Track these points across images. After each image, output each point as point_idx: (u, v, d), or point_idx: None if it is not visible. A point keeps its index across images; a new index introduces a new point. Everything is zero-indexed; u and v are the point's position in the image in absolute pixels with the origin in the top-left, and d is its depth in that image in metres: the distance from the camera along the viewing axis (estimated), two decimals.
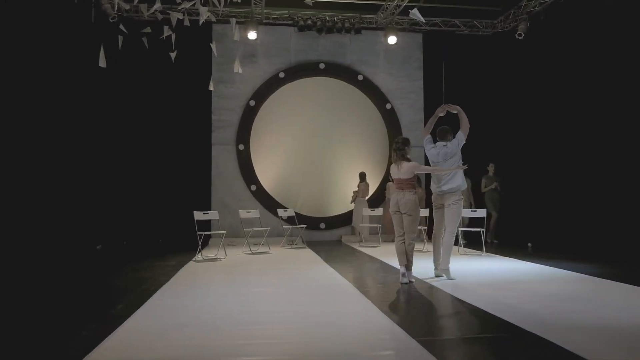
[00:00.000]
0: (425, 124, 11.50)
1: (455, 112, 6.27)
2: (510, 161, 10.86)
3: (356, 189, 11.13)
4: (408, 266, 5.87)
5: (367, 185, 11.10)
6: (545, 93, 10.61)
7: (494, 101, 11.50)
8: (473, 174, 10.17)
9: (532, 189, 10.76)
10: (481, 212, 8.80)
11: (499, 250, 9.04)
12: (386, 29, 11.45)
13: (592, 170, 9.47)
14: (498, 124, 11.20)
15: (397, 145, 5.93)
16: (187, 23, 7.69)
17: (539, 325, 3.86)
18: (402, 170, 5.83)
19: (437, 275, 6.18)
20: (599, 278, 5.92)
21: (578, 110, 9.82)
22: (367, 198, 11.21)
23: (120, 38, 7.63)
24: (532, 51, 10.85)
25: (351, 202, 11.17)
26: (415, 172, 5.90)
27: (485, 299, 4.94)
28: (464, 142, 6.17)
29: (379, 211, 10.36)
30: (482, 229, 8.70)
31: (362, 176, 11.10)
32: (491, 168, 10.52)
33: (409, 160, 5.90)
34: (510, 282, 5.86)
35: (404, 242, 5.87)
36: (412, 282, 5.83)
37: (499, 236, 10.36)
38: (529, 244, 9.48)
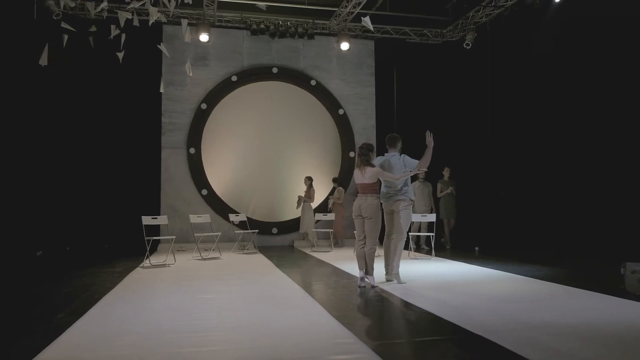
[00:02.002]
0: (376, 132, 11.67)
1: (427, 142, 6.09)
2: (460, 166, 11.08)
3: (301, 193, 11.06)
4: (368, 271, 5.91)
5: (314, 190, 11.08)
6: (490, 99, 10.98)
7: (444, 107, 11.80)
8: (429, 179, 10.36)
9: (482, 193, 11.06)
10: (431, 217, 8.97)
11: (448, 254, 9.24)
12: (339, 35, 11.54)
13: (541, 173, 9.82)
14: (449, 128, 11.44)
15: (362, 151, 5.97)
16: (136, 23, 7.45)
17: (485, 328, 3.96)
18: (366, 175, 5.88)
19: (387, 280, 6.23)
20: (542, 281, 6.13)
21: (522, 115, 10.20)
22: (314, 205, 11.17)
23: (65, 37, 7.32)
24: (479, 60, 11.22)
25: (297, 208, 11.09)
26: (379, 178, 5.95)
27: (434, 302, 5.03)
28: (410, 171, 6.10)
29: (330, 216, 10.39)
30: (432, 234, 8.86)
31: (310, 180, 11.06)
32: (446, 172, 10.49)
33: (373, 165, 5.96)
34: (458, 285, 5.99)
35: (365, 247, 5.92)
36: (374, 287, 5.85)
37: (451, 242, 10.40)
38: (477, 248, 9.74)
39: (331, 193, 11.39)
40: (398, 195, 6.14)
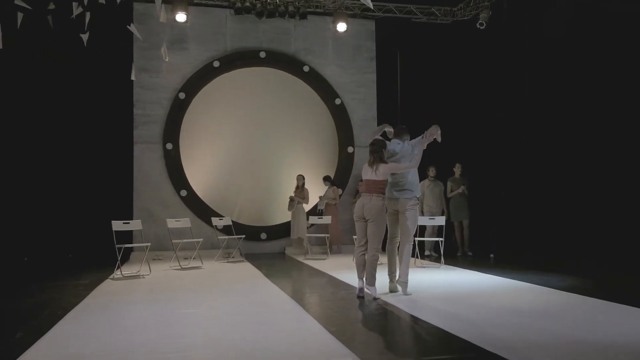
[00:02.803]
0: (377, 125, 11.67)
1: (426, 135, 6.24)
2: (473, 161, 11.01)
3: (291, 193, 10.96)
4: (369, 280, 5.91)
5: (307, 190, 11.04)
6: (509, 86, 10.91)
7: (454, 95, 11.72)
8: (439, 177, 10.31)
9: (496, 191, 10.98)
10: (440, 220, 8.96)
11: (459, 261, 9.24)
12: (335, 15, 11.50)
13: (561, 170, 9.82)
14: (460, 119, 11.40)
15: (374, 147, 6.04)
16: (102, 0, 7.40)
17: (502, 345, 3.95)
18: (378, 172, 5.93)
19: (391, 290, 6.22)
20: (566, 292, 6.12)
21: (545, 104, 10.19)
22: (308, 206, 11.11)
23: (19, 15, 7.26)
24: (495, 41, 11.14)
25: (290, 210, 10.94)
26: (392, 172, 6.04)
27: (444, 316, 5.02)
28: (417, 148, 6.20)
29: (326, 219, 10.37)
30: (441, 239, 8.86)
31: (304, 179, 10.99)
32: (457, 169, 10.40)
33: (386, 162, 6.02)
34: (471, 297, 5.99)
35: (365, 254, 5.93)
36: (376, 299, 5.84)
37: (463, 247, 10.30)
38: (491, 255, 9.74)
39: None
40: (405, 193, 6.16)
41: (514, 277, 7.16)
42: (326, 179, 11.20)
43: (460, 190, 10.26)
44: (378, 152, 6.00)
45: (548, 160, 10.06)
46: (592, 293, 5.90)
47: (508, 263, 8.72)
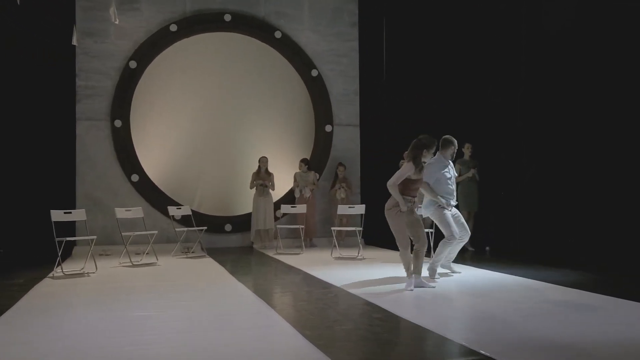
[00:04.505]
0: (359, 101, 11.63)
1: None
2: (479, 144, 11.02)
3: (261, 180, 10.88)
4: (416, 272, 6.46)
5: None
6: (518, 55, 10.92)
7: (452, 67, 11.64)
8: None
9: (502, 178, 11.04)
10: None
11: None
12: None
13: (565, 161, 9.96)
14: (461, 94, 11.39)
15: (417, 144, 6.38)
16: None
17: (500, 348, 4.00)
18: (423, 173, 6.51)
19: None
20: (571, 288, 6.22)
21: (543, 89, 10.28)
22: (276, 195, 11.18)
23: None
24: (497, 3, 11.13)
25: (262, 196, 10.87)
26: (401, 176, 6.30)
27: (433, 316, 5.10)
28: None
29: (301, 208, 10.37)
30: (432, 230, 8.91)
31: (267, 162, 11.00)
32: (467, 150, 10.18)
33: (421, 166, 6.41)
34: (466, 295, 6.12)
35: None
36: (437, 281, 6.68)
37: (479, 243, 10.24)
38: (487, 248, 9.85)
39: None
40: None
41: (514, 273, 7.29)
42: (304, 161, 11.18)
43: (470, 174, 10.08)
44: (418, 151, 6.33)
45: (548, 149, 10.16)
46: (592, 288, 6.08)
47: (504, 257, 8.89)
